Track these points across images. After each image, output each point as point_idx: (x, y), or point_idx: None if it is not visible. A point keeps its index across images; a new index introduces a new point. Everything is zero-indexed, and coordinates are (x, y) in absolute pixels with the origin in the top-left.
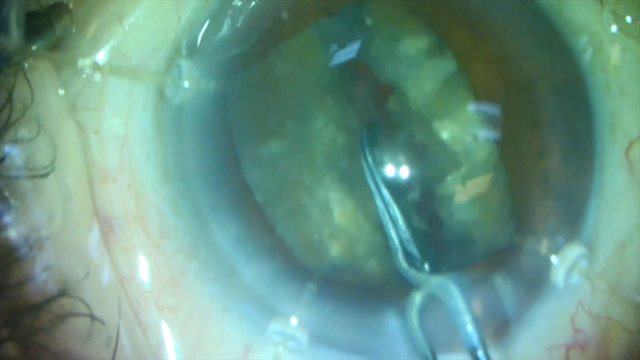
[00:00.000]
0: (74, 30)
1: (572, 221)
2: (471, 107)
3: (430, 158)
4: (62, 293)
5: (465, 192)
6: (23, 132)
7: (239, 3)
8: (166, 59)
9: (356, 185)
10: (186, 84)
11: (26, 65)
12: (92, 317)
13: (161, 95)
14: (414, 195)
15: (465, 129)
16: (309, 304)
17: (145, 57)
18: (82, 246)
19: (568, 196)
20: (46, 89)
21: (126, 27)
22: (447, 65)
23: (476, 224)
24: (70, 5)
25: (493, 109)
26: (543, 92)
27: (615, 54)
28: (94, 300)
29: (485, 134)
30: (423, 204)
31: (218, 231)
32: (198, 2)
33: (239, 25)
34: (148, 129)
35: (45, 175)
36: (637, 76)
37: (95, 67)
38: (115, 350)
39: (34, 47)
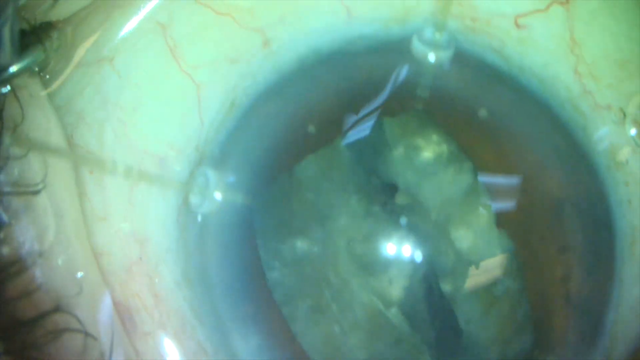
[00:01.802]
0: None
1: (590, 335)
2: (490, 221)
3: (448, 265)
4: (56, 309)
5: (484, 302)
6: (14, 149)
7: (264, 113)
8: (190, 163)
9: (377, 282)
10: (213, 195)
11: (16, 82)
12: (85, 334)
13: (185, 202)
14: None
15: (484, 242)
16: None
17: (170, 158)
18: (75, 263)
19: (586, 311)
20: (36, 109)
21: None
22: (466, 177)
23: (493, 334)
24: (59, 25)
25: (512, 224)
26: (564, 210)
27: (637, 165)
28: (87, 316)
29: (503, 247)
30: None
31: (239, 341)
32: (222, 107)
33: (264, 136)
34: (169, 231)
35: (37, 193)
36: None
37: (125, 172)
38: None
39: (24, 64)
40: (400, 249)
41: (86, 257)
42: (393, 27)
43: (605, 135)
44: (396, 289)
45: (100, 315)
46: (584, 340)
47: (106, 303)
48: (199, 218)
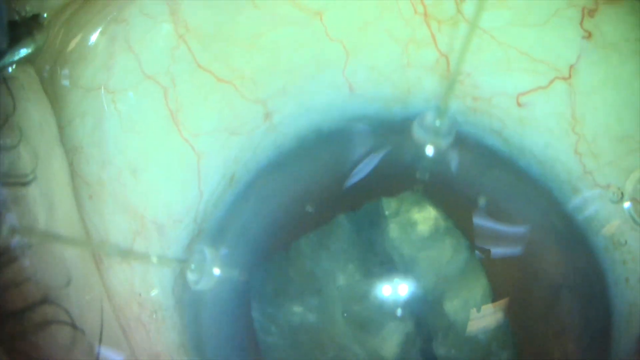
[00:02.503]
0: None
1: None
2: (485, 297)
3: (442, 338)
4: (44, 301)
5: None
6: (5, 139)
7: (263, 189)
8: (188, 235)
9: (371, 349)
10: (209, 272)
11: (9, 71)
12: (74, 326)
13: (182, 275)
14: None
15: (479, 318)
16: None
17: (168, 227)
18: (64, 255)
19: None
20: (28, 101)
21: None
22: (463, 254)
23: None
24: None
25: (508, 303)
26: (561, 288)
27: (636, 242)
28: (75, 308)
29: (498, 324)
30: None
31: None
32: (222, 179)
33: (262, 212)
34: (167, 295)
35: (27, 184)
36: None
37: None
38: (97, 358)
39: (14, 56)
40: (395, 318)
41: (78, 250)
42: (395, 107)
43: (603, 215)
44: (390, 352)
45: (89, 308)
46: None
47: (96, 296)
48: (195, 293)
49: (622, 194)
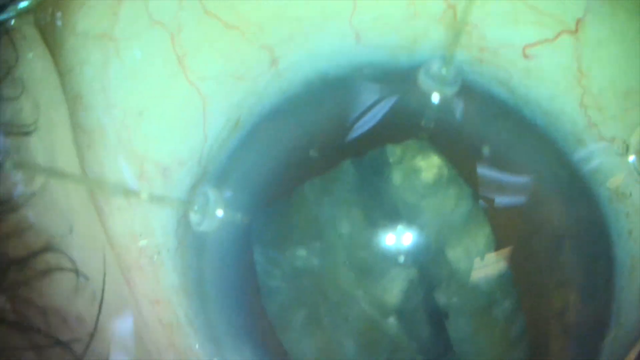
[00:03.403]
0: None
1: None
2: (488, 246)
3: (443, 283)
4: (47, 248)
5: (479, 326)
6: (7, 90)
7: (268, 134)
8: (192, 177)
9: (373, 294)
10: (212, 214)
11: (11, 23)
12: (77, 273)
13: (185, 217)
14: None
15: (481, 267)
16: None
17: (173, 169)
18: (66, 203)
19: (583, 338)
20: (30, 52)
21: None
22: (466, 202)
23: (485, 352)
24: None
25: (511, 253)
26: (564, 240)
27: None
28: (78, 256)
29: (501, 273)
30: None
31: (231, 353)
32: (227, 123)
33: (267, 157)
34: (169, 238)
35: (28, 134)
36: None
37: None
38: (100, 305)
39: (17, 7)
40: (397, 263)
41: (79, 197)
42: (401, 56)
43: (608, 167)
44: (392, 301)
45: (92, 255)
46: None
47: (99, 243)
48: (198, 234)
49: (627, 146)
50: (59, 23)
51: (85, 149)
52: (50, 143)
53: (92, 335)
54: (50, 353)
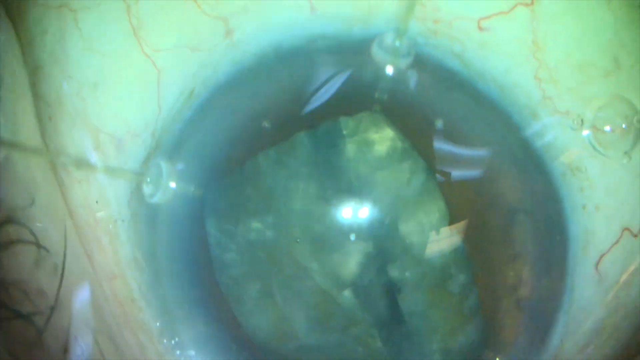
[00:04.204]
0: None
1: (540, 336)
2: (442, 220)
3: (397, 256)
4: (8, 220)
5: (433, 301)
6: None
7: (222, 106)
8: (145, 149)
9: (328, 267)
10: (165, 186)
11: None
12: (38, 245)
13: (138, 188)
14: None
15: (434, 240)
16: None
17: (126, 140)
18: (27, 175)
19: (537, 314)
20: None
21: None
22: (419, 175)
23: (442, 334)
24: None
25: (464, 227)
26: (518, 214)
27: (594, 169)
28: (39, 229)
29: (454, 247)
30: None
31: (184, 326)
32: (181, 95)
33: (220, 129)
34: (122, 209)
35: None
36: (612, 188)
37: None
38: (61, 278)
39: None
40: (351, 236)
41: (41, 170)
42: (355, 28)
43: (563, 141)
44: (347, 274)
45: (53, 227)
46: (534, 341)
47: (60, 216)
48: (150, 206)
49: (581, 121)
50: None
51: (47, 120)
52: (13, 115)
53: (52, 308)
54: (11, 326)
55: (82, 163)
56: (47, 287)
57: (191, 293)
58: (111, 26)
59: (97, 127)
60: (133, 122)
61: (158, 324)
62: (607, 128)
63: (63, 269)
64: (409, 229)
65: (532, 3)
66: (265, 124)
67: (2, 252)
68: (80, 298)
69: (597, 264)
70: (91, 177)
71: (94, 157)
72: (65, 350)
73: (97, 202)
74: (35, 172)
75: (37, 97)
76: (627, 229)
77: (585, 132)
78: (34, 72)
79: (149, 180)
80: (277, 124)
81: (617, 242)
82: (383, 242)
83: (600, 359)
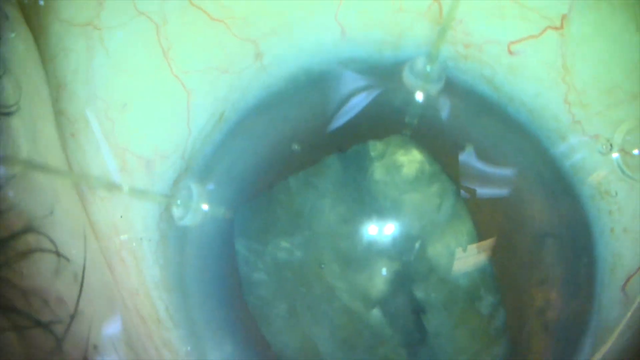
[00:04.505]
0: None
1: (567, 358)
2: (470, 242)
3: (424, 279)
4: (27, 229)
5: (459, 321)
6: None
7: (252, 129)
8: (175, 171)
9: (356, 287)
10: (195, 209)
11: None
12: (58, 254)
13: (167, 210)
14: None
15: (462, 263)
16: None
17: (156, 162)
18: (48, 185)
19: (564, 337)
20: (12, 32)
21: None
22: (449, 198)
23: (468, 355)
24: None
25: (493, 249)
26: (547, 237)
27: (622, 192)
28: (59, 236)
29: (482, 270)
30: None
31: (213, 348)
32: (211, 118)
33: (250, 152)
34: (151, 231)
35: (10, 114)
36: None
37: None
38: (81, 287)
39: None
40: (380, 258)
41: (59, 181)
42: (386, 51)
43: (592, 165)
44: (373, 295)
45: (73, 237)
46: None
47: (80, 226)
48: (180, 228)
49: (610, 145)
50: (41, 4)
51: (69, 136)
52: (32, 125)
53: (72, 317)
54: (31, 334)
55: (107, 183)
56: (66, 296)
57: (220, 314)
58: (139, 46)
59: (125, 148)
60: (162, 144)
61: (189, 347)
62: (636, 151)
63: (83, 278)
64: (437, 250)
65: (561, 26)
66: (295, 146)
67: (21, 261)
68: (101, 307)
69: (625, 285)
70: (115, 197)
71: (120, 178)
72: (85, 359)
73: (121, 227)
74: (55, 181)
75: (60, 112)
76: None
77: (614, 155)
78: (57, 88)
79: (178, 202)
80: (306, 147)
81: None
82: (411, 263)
83: None
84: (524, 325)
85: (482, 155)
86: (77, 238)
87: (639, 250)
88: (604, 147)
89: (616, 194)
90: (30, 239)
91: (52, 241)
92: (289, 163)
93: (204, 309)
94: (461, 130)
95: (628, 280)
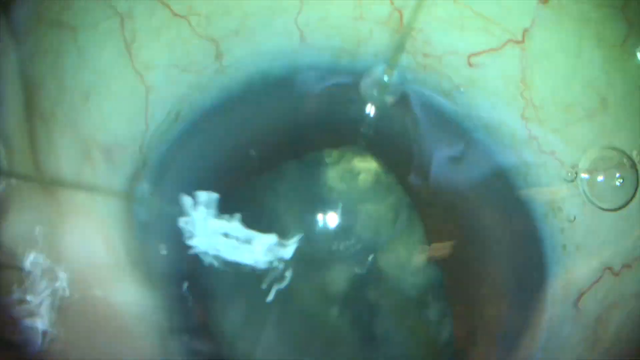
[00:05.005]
0: None
1: None
2: (421, 252)
3: (375, 284)
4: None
5: (407, 329)
6: None
7: (208, 131)
8: (132, 164)
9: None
10: (152, 205)
11: None
12: (27, 272)
13: (127, 206)
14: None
15: (413, 271)
16: None
17: (114, 151)
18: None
19: (514, 348)
20: None
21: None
22: (401, 209)
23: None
24: None
25: (444, 259)
26: (499, 250)
27: (575, 210)
28: (36, 254)
29: (432, 278)
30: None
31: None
32: (168, 116)
33: (205, 154)
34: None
35: None
36: (593, 229)
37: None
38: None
39: None
40: (331, 265)
41: (39, 196)
42: (344, 60)
43: (545, 182)
44: (329, 299)
45: (50, 252)
46: None
47: (56, 241)
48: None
49: (564, 162)
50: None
51: (41, 132)
52: (8, 132)
53: (46, 337)
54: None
55: (72, 180)
56: (43, 314)
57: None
58: (106, 41)
59: (88, 136)
60: (121, 135)
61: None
62: (585, 175)
63: (63, 295)
64: (388, 259)
65: (522, 40)
66: (251, 151)
67: None
68: (78, 325)
69: (577, 301)
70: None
71: (84, 169)
72: None
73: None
74: (34, 197)
75: (32, 111)
76: (608, 267)
77: (569, 174)
78: (32, 88)
79: (136, 198)
80: (263, 152)
81: (597, 280)
82: (362, 271)
83: None
84: (472, 336)
85: (437, 167)
86: (54, 254)
87: (592, 267)
88: (558, 163)
89: (567, 210)
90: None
91: (25, 259)
92: (245, 168)
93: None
94: (417, 141)
95: (581, 296)
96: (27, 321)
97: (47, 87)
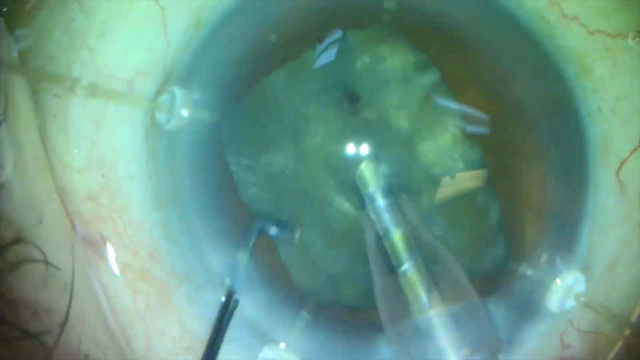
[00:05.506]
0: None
1: (566, 246)
2: (458, 129)
3: (415, 174)
4: (17, 240)
5: (453, 216)
6: None
7: (230, 31)
8: (157, 83)
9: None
10: (180, 111)
11: None
12: (47, 263)
13: (153, 122)
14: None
15: (451, 152)
16: (303, 331)
17: (137, 81)
18: (34, 194)
19: (561, 222)
20: None
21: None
22: (433, 84)
23: (465, 246)
24: None
25: (481, 131)
26: (535, 120)
27: (606, 72)
28: (48, 246)
29: (472, 157)
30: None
31: (215, 257)
32: (189, 27)
33: (231, 52)
34: (138, 154)
35: None
36: (626, 91)
37: (78, 86)
38: (71, 296)
39: None
40: (366, 155)
41: (47, 188)
42: None
43: (573, 43)
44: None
45: (61, 245)
46: (559, 250)
47: (67, 233)
48: (168, 137)
49: (586, 26)
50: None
51: (50, 119)
52: (17, 130)
53: (62, 327)
54: (20, 345)
55: (93, 91)
56: (56, 306)
57: (219, 221)
58: None
59: (107, 74)
60: (142, 63)
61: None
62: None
63: (72, 286)
64: (425, 144)
65: None
66: (275, 44)
67: (11, 272)
68: (91, 316)
69: (618, 171)
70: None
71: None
72: None
73: (103, 175)
74: (41, 192)
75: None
76: None
77: (596, 35)
78: (40, 72)
79: (162, 107)
80: (286, 43)
81: (635, 149)
82: (400, 158)
83: (629, 280)
84: (519, 213)
85: (463, 37)
86: (65, 246)
87: (628, 134)
88: (582, 27)
89: (597, 71)
90: (20, 249)
91: (41, 250)
92: (271, 60)
93: (202, 218)
94: (441, 12)
95: (621, 165)
96: (45, 310)
97: (58, 59)
